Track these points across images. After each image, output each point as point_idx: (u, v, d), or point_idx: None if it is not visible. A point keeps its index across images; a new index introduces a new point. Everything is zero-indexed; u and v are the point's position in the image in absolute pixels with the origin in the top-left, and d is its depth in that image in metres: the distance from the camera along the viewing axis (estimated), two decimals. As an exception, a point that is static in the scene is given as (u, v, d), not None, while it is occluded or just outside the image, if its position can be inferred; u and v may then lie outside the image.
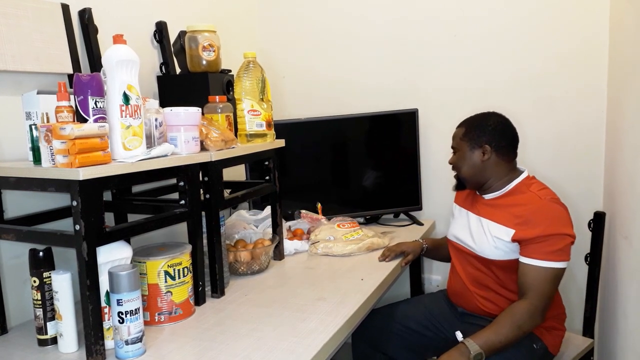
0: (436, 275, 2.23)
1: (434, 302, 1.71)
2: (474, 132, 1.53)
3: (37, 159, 1.13)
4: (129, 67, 1.14)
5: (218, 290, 1.41)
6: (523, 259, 1.42)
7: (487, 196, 1.57)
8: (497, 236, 1.47)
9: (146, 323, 1.22)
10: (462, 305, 1.63)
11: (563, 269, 1.41)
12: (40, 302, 1.15)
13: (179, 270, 1.27)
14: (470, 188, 1.61)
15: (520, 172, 1.55)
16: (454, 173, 1.61)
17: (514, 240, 1.44)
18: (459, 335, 1.42)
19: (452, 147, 1.60)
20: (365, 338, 1.70)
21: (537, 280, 1.39)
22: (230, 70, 1.72)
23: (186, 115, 1.30)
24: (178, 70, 1.75)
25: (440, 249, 1.80)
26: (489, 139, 1.51)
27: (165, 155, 1.22)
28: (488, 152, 1.51)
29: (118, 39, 1.15)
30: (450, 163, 1.61)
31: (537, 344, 1.49)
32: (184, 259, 1.28)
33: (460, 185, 1.61)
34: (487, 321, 1.44)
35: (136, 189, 1.57)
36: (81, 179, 0.99)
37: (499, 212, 1.51)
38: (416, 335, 1.65)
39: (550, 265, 1.38)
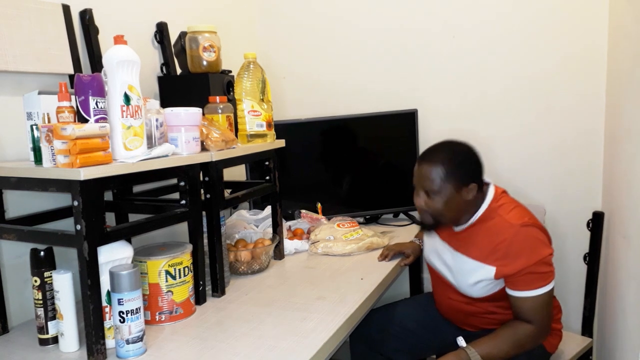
0: (436, 275, 2.23)
1: (432, 302, 1.71)
2: (458, 171, 1.37)
3: (38, 159, 1.14)
4: (129, 67, 1.14)
5: (219, 289, 1.42)
6: (514, 293, 1.37)
7: (458, 228, 1.47)
8: (478, 279, 1.40)
9: (147, 322, 1.22)
10: (451, 319, 1.62)
11: (552, 289, 1.38)
12: (41, 302, 1.16)
13: (179, 269, 1.27)
14: (444, 227, 1.49)
15: (486, 191, 1.43)
16: (425, 216, 1.45)
17: (497, 277, 1.38)
18: (461, 341, 1.40)
19: (426, 190, 1.41)
20: (362, 338, 1.70)
21: (534, 308, 1.36)
22: (230, 71, 1.72)
23: (187, 116, 1.31)
24: (179, 71, 1.76)
25: None
26: (474, 176, 1.39)
27: (166, 156, 1.22)
28: (473, 190, 1.38)
29: (119, 40, 1.15)
30: (427, 209, 1.42)
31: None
32: (185, 258, 1.29)
33: (432, 227, 1.48)
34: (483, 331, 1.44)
35: (137, 189, 1.57)
36: (82, 179, 1.00)
37: (472, 244, 1.42)
38: (414, 336, 1.65)
39: (542, 292, 1.36)
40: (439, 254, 1.54)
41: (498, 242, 1.36)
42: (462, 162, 1.39)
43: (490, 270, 1.38)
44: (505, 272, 1.36)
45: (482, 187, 1.43)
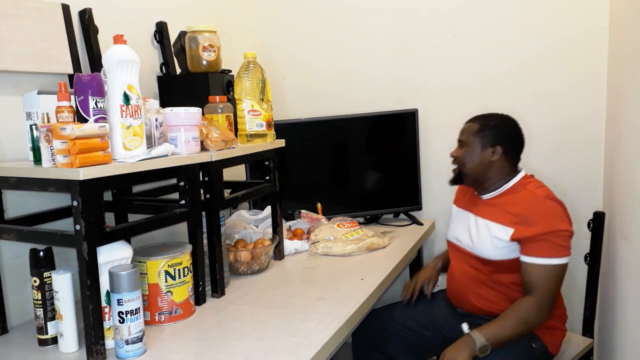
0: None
1: (434, 302, 1.71)
2: (488, 131, 1.53)
3: (37, 159, 1.13)
4: (129, 67, 1.14)
5: (218, 290, 1.41)
6: (525, 258, 1.43)
7: (485, 196, 1.58)
8: (496, 236, 1.48)
9: (146, 323, 1.22)
10: (461, 306, 1.63)
11: (565, 265, 1.42)
12: (40, 302, 1.16)
13: (179, 270, 1.27)
14: (467, 184, 1.62)
15: (518, 172, 1.56)
16: (453, 166, 1.61)
17: (513, 239, 1.44)
18: (464, 327, 1.44)
19: (460, 140, 1.58)
20: (365, 338, 1.70)
21: (542, 277, 1.40)
22: (230, 71, 1.72)
23: (186, 116, 1.30)
24: (178, 71, 1.75)
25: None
26: (502, 141, 1.52)
27: (166, 155, 1.22)
28: (498, 153, 1.52)
29: (118, 39, 1.15)
30: (454, 156, 1.59)
31: (537, 343, 1.49)
32: (184, 258, 1.29)
33: (457, 180, 1.61)
34: (487, 320, 1.45)
35: (136, 189, 1.57)
36: (81, 179, 1.00)
37: (497, 211, 1.51)
38: (416, 336, 1.65)
39: (552, 262, 1.40)
40: (463, 225, 1.62)
41: (520, 209, 1.45)
42: (494, 125, 1.54)
43: (508, 232, 1.45)
44: (522, 234, 1.42)
45: (514, 159, 1.55)
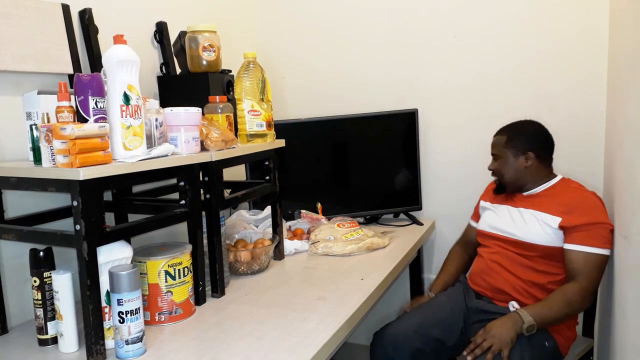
0: (436, 275, 2.23)
1: (448, 300, 1.70)
2: (517, 140, 1.63)
3: (37, 159, 1.13)
4: (129, 67, 1.14)
5: (218, 290, 1.41)
6: (571, 246, 1.50)
7: (526, 193, 1.66)
8: (543, 224, 1.55)
9: (146, 323, 1.22)
10: (485, 282, 1.64)
11: (607, 257, 1.49)
12: (40, 302, 1.16)
13: (179, 270, 1.27)
14: (509, 192, 1.70)
15: (555, 175, 1.67)
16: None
17: (560, 227, 1.52)
18: (513, 305, 1.52)
19: (493, 154, 1.69)
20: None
21: (586, 265, 1.47)
22: (230, 71, 1.72)
23: (186, 116, 1.30)
24: (178, 71, 1.76)
25: (450, 280, 1.82)
26: (532, 146, 1.62)
27: (166, 155, 1.22)
28: (531, 158, 1.62)
29: (118, 39, 1.15)
30: (492, 169, 1.70)
31: (549, 342, 1.52)
32: (184, 258, 1.29)
33: (501, 189, 1.71)
34: (500, 314, 1.50)
35: (136, 189, 1.57)
36: (81, 179, 1.00)
37: (541, 203, 1.60)
38: (434, 344, 1.60)
39: (597, 252, 1.48)
40: (503, 216, 1.68)
41: (568, 200, 1.55)
42: (520, 133, 1.64)
43: (556, 220, 1.53)
44: (569, 222, 1.50)
45: (547, 160, 1.66)
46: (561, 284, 1.52)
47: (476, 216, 1.86)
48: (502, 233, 1.66)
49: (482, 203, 1.81)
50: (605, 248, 1.49)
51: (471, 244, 1.85)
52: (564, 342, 1.55)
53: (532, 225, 1.57)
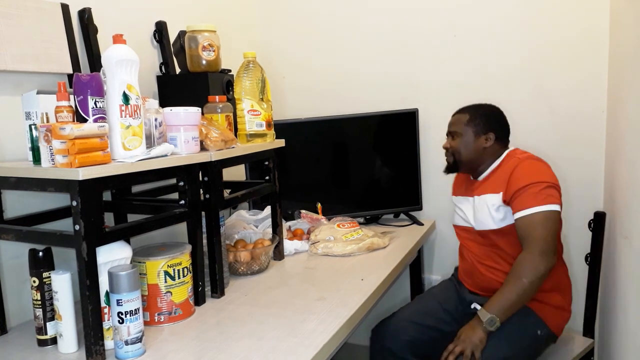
0: (436, 275, 2.23)
1: (442, 294, 1.72)
2: (479, 120, 1.62)
3: (36, 159, 1.13)
4: (128, 66, 1.14)
5: (218, 290, 1.41)
6: (514, 215, 1.49)
7: (480, 177, 1.66)
8: (492, 204, 1.55)
9: (146, 323, 1.22)
10: (473, 284, 1.66)
11: (554, 212, 1.46)
12: (40, 302, 1.15)
13: (178, 270, 1.26)
14: (463, 171, 1.70)
15: (506, 149, 1.65)
16: (447, 157, 1.69)
17: (504, 201, 1.52)
18: (475, 306, 1.50)
19: (451, 132, 1.67)
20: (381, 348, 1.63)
21: (529, 227, 1.45)
22: (230, 70, 1.71)
23: (186, 115, 1.30)
24: (178, 70, 1.75)
25: None
26: (493, 127, 1.62)
27: (165, 155, 1.22)
28: (491, 139, 1.61)
29: (118, 39, 1.15)
30: (448, 147, 1.68)
31: (542, 330, 1.52)
32: (184, 259, 1.28)
33: (452, 168, 1.69)
34: None
35: (136, 189, 1.56)
36: (81, 179, 0.99)
37: (489, 184, 1.61)
38: (433, 331, 1.61)
39: (536, 210, 1.45)
40: (465, 208, 1.68)
41: (506, 173, 1.55)
42: (483, 114, 1.64)
43: (499, 196, 1.54)
44: (509, 192, 1.51)
45: (504, 142, 1.65)
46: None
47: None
48: (467, 224, 1.68)
49: (453, 198, 1.80)
50: (547, 204, 1.44)
51: None
52: (557, 323, 1.55)
53: (483, 212, 1.58)
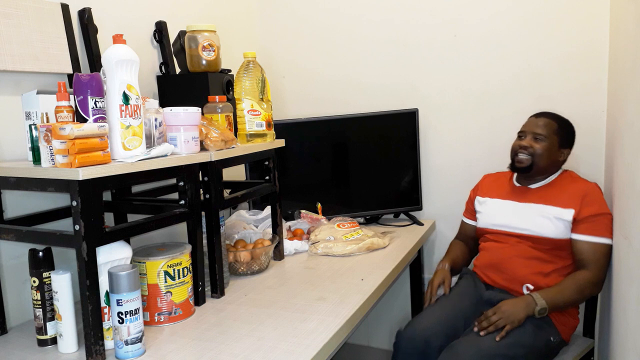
0: (436, 275, 2.23)
1: (466, 294, 1.68)
2: (565, 131, 1.66)
3: (36, 159, 1.13)
4: (128, 66, 1.14)
5: (218, 290, 1.41)
6: (580, 237, 1.55)
7: (534, 186, 1.69)
8: (556, 216, 1.58)
9: (146, 323, 1.22)
10: (501, 277, 1.64)
11: (611, 246, 1.54)
12: (39, 302, 1.15)
13: (178, 270, 1.26)
14: (530, 175, 1.69)
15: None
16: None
17: (574, 218, 1.56)
18: (528, 286, 1.55)
19: (536, 134, 1.64)
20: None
21: (596, 254, 1.53)
22: (230, 70, 1.71)
23: (186, 115, 1.30)
24: (178, 70, 1.75)
25: (458, 260, 1.83)
26: (571, 144, 1.68)
27: (165, 155, 1.22)
28: (566, 155, 1.67)
29: (118, 39, 1.15)
30: (528, 147, 1.64)
31: (555, 337, 1.54)
32: (184, 259, 1.28)
33: (526, 169, 1.66)
34: (510, 296, 1.56)
35: (136, 189, 1.57)
36: (81, 179, 0.99)
37: (549, 196, 1.63)
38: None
39: (603, 241, 1.53)
40: (509, 211, 1.69)
41: (576, 192, 1.59)
42: (568, 129, 1.68)
43: (569, 212, 1.57)
44: (581, 214, 1.55)
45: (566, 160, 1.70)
46: (569, 273, 1.57)
47: (470, 213, 1.87)
48: (511, 229, 1.67)
49: (480, 199, 1.80)
50: (610, 238, 1.54)
51: (470, 239, 1.87)
52: (568, 331, 1.59)
53: (543, 219, 1.60)
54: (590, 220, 1.55)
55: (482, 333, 1.45)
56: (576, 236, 1.56)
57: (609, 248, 1.54)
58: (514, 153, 1.69)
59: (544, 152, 1.63)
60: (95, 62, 1.47)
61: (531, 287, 1.56)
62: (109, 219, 1.44)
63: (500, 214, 1.72)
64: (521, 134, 1.69)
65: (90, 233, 1.03)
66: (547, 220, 1.60)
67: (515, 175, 1.77)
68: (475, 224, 1.83)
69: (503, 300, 1.50)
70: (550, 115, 1.68)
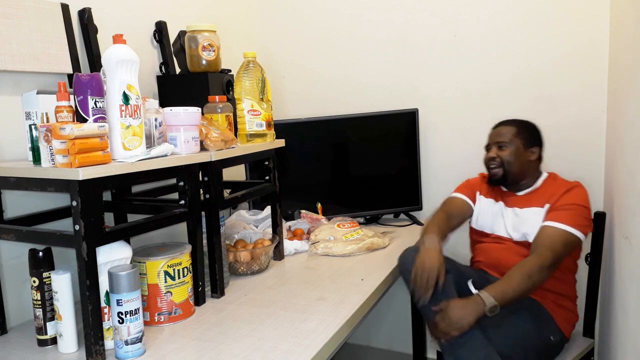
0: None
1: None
2: (526, 132, 1.66)
3: (36, 159, 1.13)
4: (128, 66, 1.14)
5: (218, 290, 1.41)
6: (544, 223, 1.54)
7: (521, 193, 1.68)
8: (538, 215, 1.58)
9: (146, 323, 1.22)
10: (499, 272, 1.61)
11: (576, 238, 1.50)
12: (40, 302, 1.15)
13: (178, 270, 1.26)
14: (508, 183, 1.68)
15: (542, 173, 1.71)
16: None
17: (547, 210, 1.56)
18: (471, 286, 1.49)
19: (500, 142, 1.66)
20: None
21: (549, 238, 1.49)
22: (230, 70, 1.71)
23: (186, 115, 1.30)
24: (178, 70, 1.75)
25: (448, 231, 1.73)
26: (537, 142, 1.67)
27: (165, 155, 1.22)
28: (535, 153, 1.66)
29: (118, 39, 1.15)
30: (496, 157, 1.66)
31: (555, 336, 1.53)
32: (184, 259, 1.28)
33: (501, 181, 1.67)
34: None
35: (136, 189, 1.56)
36: (81, 179, 0.99)
37: (534, 201, 1.63)
38: None
39: (563, 228, 1.49)
40: (499, 216, 1.69)
41: (556, 190, 1.60)
42: (529, 128, 1.68)
43: (546, 207, 1.58)
44: (555, 205, 1.56)
45: (541, 160, 1.69)
46: (571, 271, 1.59)
47: (469, 193, 1.80)
48: (497, 234, 1.69)
49: (478, 197, 1.77)
50: (576, 229, 1.50)
51: (456, 218, 1.76)
52: (568, 327, 1.58)
53: (526, 224, 1.60)
54: (557, 208, 1.54)
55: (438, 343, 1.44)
56: (542, 223, 1.55)
57: (571, 238, 1.49)
58: (487, 167, 1.70)
59: (511, 157, 1.63)
60: (95, 62, 1.47)
61: (473, 287, 1.47)
62: (109, 219, 1.44)
63: (489, 216, 1.72)
64: (487, 147, 1.71)
65: (90, 233, 1.03)
66: (527, 223, 1.59)
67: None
68: (471, 204, 1.78)
69: (452, 303, 1.42)
70: (508, 122, 1.69)
